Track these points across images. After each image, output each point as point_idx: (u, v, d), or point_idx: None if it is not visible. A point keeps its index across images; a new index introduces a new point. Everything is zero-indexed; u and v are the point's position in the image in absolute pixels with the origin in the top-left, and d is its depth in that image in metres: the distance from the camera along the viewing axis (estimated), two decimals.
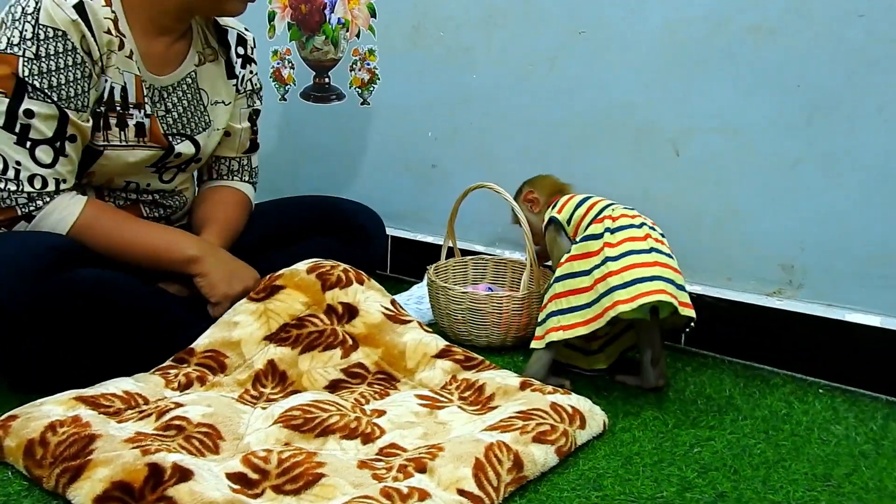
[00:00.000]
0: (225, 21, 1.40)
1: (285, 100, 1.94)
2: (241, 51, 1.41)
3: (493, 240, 1.66)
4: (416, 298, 1.64)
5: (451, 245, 1.55)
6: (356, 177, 1.84)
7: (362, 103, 1.81)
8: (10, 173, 1.11)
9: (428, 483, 0.87)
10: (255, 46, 1.45)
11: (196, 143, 1.33)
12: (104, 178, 1.24)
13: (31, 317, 1.04)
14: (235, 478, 0.86)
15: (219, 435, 0.95)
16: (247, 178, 1.47)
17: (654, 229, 1.20)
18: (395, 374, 1.20)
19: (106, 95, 1.19)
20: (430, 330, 1.26)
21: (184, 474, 0.82)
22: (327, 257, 1.29)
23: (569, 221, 1.28)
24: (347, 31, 1.79)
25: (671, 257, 1.16)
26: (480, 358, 1.24)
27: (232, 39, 1.40)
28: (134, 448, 0.87)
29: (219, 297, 1.24)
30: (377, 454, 0.96)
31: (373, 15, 1.74)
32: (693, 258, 1.37)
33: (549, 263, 1.39)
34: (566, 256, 1.21)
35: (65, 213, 1.14)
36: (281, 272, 1.23)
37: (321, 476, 0.86)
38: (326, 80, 1.86)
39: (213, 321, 1.21)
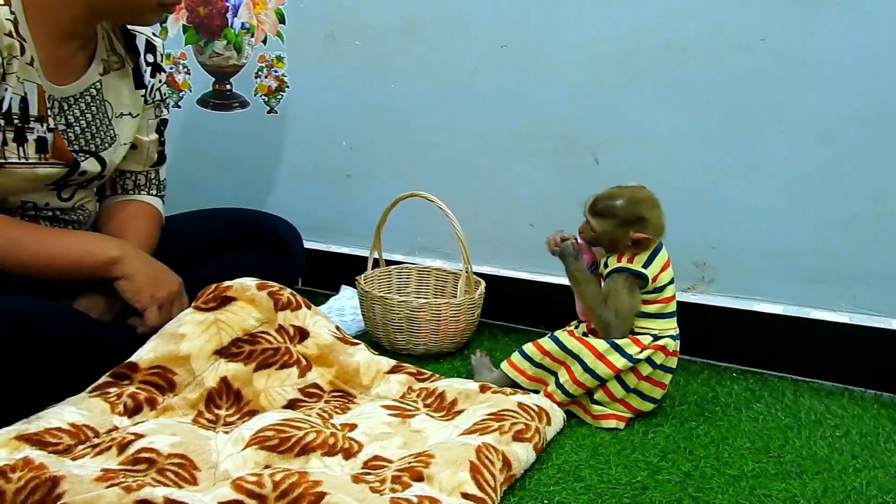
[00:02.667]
0: (134, 29, 1.29)
1: (179, 107, 1.83)
2: (150, 58, 1.30)
3: (414, 249, 1.67)
4: (336, 311, 1.61)
5: (376, 256, 1.54)
6: (266, 188, 1.78)
7: (269, 111, 1.75)
8: None
9: (430, 490, 0.87)
10: (164, 53, 1.35)
11: (101, 160, 1.22)
12: None
13: None
14: None
15: (193, 465, 0.89)
16: (154, 192, 1.36)
17: None
18: (351, 390, 1.18)
19: (4, 107, 1.06)
20: (376, 353, 1.26)
21: None
22: (254, 273, 1.24)
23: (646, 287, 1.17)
24: (252, 36, 1.73)
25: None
26: (431, 372, 1.25)
27: (140, 45, 1.29)
28: (111, 486, 0.79)
29: (145, 303, 1.14)
30: (363, 468, 0.94)
31: (281, 21, 1.69)
32: None
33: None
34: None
35: None
36: (229, 283, 1.16)
37: (323, 494, 0.83)
38: (228, 86, 1.78)
39: (137, 334, 1.12)
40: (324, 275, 1.73)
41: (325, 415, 1.08)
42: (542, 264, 1.53)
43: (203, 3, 1.76)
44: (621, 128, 1.42)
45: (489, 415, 1.05)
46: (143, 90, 1.29)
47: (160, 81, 1.34)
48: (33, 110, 1.09)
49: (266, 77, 1.73)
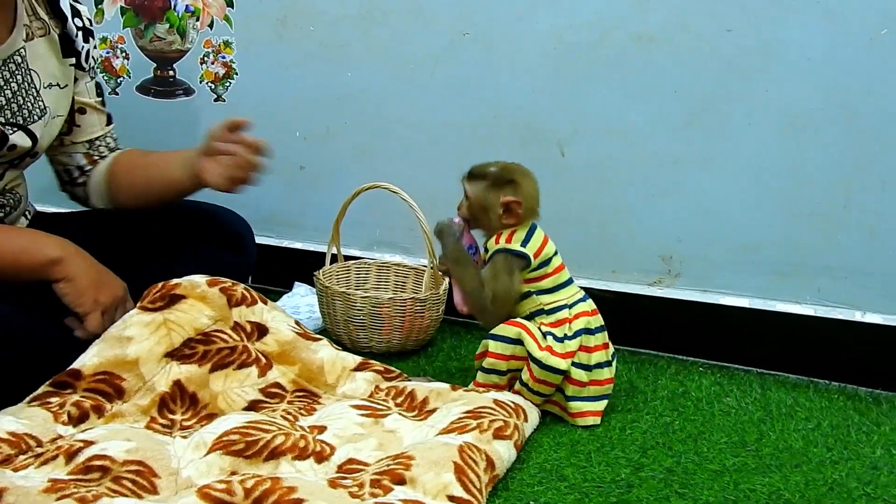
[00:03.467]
0: None
1: (117, 94, 1.72)
2: (78, 22, 1.21)
3: (371, 243, 1.61)
4: (291, 308, 1.53)
5: (335, 251, 1.47)
6: None
7: (216, 100, 1.65)
8: None
9: (414, 494, 0.81)
10: (91, 20, 1.26)
11: (31, 134, 1.13)
12: None
13: None
14: None
15: (152, 472, 0.81)
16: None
17: None
18: (316, 390, 1.11)
19: None
20: (340, 348, 1.19)
21: None
22: (210, 268, 1.16)
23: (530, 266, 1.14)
24: (198, 20, 1.63)
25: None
26: (398, 371, 1.19)
27: (66, 10, 1.19)
28: (62, 499, 0.70)
29: (88, 307, 1.05)
30: (338, 472, 0.88)
31: (229, 5, 1.60)
32: (580, 253, 1.43)
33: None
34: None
35: None
36: (177, 281, 1.07)
37: (300, 501, 0.76)
38: (171, 72, 1.68)
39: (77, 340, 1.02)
40: (277, 270, 1.64)
41: (291, 417, 1.01)
42: None
43: None
44: (587, 119, 1.40)
45: (465, 413, 1.00)
46: (75, 57, 1.20)
47: (94, 47, 1.26)
48: None
49: (213, 63, 1.64)
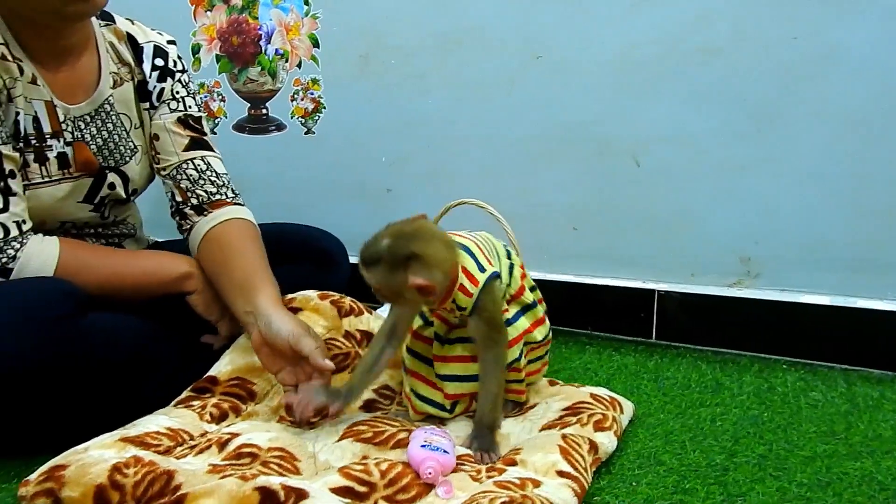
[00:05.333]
0: (146, 37, 1.24)
1: (215, 133, 1.87)
2: (159, 62, 1.24)
3: None
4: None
5: None
6: (307, 207, 1.81)
7: (306, 133, 1.78)
8: None
9: (526, 472, 0.89)
10: (179, 61, 1.28)
11: (123, 174, 1.21)
12: (36, 222, 1.08)
13: (46, 370, 0.93)
14: (342, 491, 0.82)
15: (293, 457, 0.91)
16: (231, 196, 1.25)
17: None
18: None
19: (20, 130, 1.05)
20: None
21: (299, 494, 0.78)
22: (304, 285, 1.27)
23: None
24: (287, 61, 1.77)
25: None
26: None
27: (148, 54, 1.23)
28: (225, 477, 0.81)
29: (217, 315, 1.17)
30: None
31: (315, 45, 1.74)
32: (658, 258, 1.50)
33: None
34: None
35: (43, 256, 1.03)
36: (292, 296, 1.19)
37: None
38: (264, 111, 1.82)
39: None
40: (368, 289, 1.74)
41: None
42: (586, 266, 1.57)
43: (236, 32, 1.81)
44: (658, 129, 1.47)
45: (564, 409, 1.07)
46: (148, 102, 1.24)
47: (178, 81, 1.26)
48: (47, 127, 1.10)
49: (302, 100, 1.78)
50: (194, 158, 1.25)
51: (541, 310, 1.12)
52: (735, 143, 1.42)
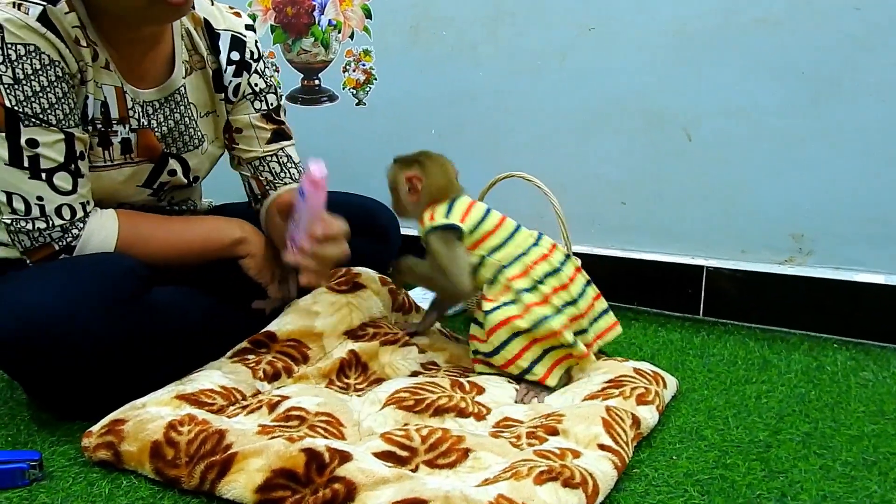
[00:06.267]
0: (224, 22, 1.23)
1: None
2: (235, 55, 1.23)
3: None
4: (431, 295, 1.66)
5: None
6: (357, 178, 1.82)
7: (358, 104, 1.81)
8: (35, 211, 1.00)
9: (567, 443, 0.90)
10: (256, 50, 1.29)
11: (184, 162, 1.22)
12: (94, 201, 1.09)
13: (114, 344, 0.97)
14: (385, 456, 0.85)
15: (339, 422, 0.94)
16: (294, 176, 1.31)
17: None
18: (467, 367, 1.22)
19: (89, 113, 1.06)
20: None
21: (343, 456, 0.81)
22: (357, 255, 1.29)
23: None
24: (339, 32, 1.79)
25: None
26: None
27: (225, 43, 1.22)
28: (274, 438, 0.84)
29: (268, 278, 1.21)
30: (495, 428, 0.98)
31: (368, 16, 1.75)
32: (708, 234, 1.48)
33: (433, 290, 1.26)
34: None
35: (104, 232, 1.06)
36: (358, 271, 1.23)
37: (469, 449, 0.87)
38: (316, 81, 1.85)
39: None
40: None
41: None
42: (634, 241, 1.56)
43: (290, 3, 1.83)
44: (712, 103, 1.44)
45: (607, 382, 1.08)
46: (223, 93, 1.24)
47: (256, 73, 1.27)
48: (114, 113, 1.09)
49: (354, 71, 1.79)
50: (276, 152, 1.30)
51: (530, 297, 1.10)
52: (791, 117, 1.38)
